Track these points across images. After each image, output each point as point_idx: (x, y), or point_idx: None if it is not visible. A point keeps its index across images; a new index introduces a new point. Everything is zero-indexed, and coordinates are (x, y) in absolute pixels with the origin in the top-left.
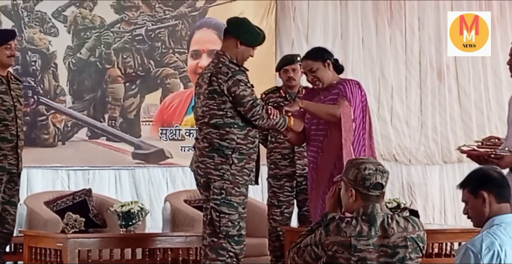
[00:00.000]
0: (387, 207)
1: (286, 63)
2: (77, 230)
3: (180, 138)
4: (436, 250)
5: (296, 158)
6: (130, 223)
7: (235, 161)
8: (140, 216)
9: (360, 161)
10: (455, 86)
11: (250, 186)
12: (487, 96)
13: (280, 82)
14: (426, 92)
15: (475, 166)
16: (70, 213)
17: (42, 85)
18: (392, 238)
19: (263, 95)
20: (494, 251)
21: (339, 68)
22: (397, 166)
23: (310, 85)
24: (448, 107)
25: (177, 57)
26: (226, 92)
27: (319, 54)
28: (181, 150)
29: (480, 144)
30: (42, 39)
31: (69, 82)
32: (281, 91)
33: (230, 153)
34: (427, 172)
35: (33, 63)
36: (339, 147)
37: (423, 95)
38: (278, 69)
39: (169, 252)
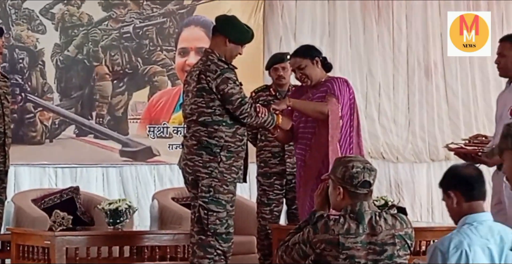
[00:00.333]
0: (374, 204)
1: (275, 61)
2: (64, 227)
3: (168, 135)
4: (423, 247)
5: (286, 156)
6: (118, 221)
7: (223, 158)
8: (128, 213)
9: (348, 159)
10: (443, 85)
11: (238, 184)
12: (475, 94)
13: (268, 80)
14: (414, 90)
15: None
16: (58, 211)
17: (29, 83)
18: (380, 235)
19: (253, 94)
20: (462, 250)
21: (327, 66)
22: (384, 163)
23: (299, 83)
24: (436, 105)
25: (165, 55)
26: (214, 90)
27: (308, 52)
28: (169, 147)
29: (467, 142)
30: (29, 37)
31: (56, 80)
32: (271, 89)
33: (218, 150)
34: (414, 170)
35: (20, 61)
36: (327, 144)
37: (411, 93)
38: (267, 67)
39: (157, 250)
